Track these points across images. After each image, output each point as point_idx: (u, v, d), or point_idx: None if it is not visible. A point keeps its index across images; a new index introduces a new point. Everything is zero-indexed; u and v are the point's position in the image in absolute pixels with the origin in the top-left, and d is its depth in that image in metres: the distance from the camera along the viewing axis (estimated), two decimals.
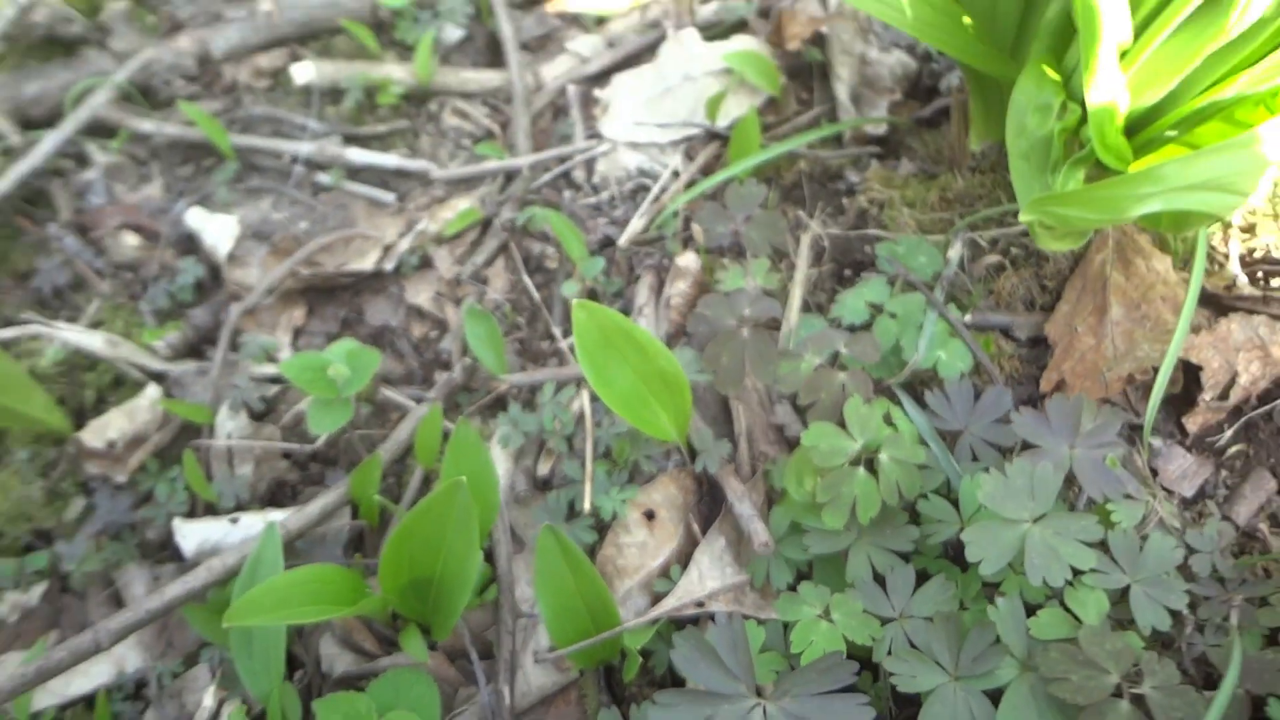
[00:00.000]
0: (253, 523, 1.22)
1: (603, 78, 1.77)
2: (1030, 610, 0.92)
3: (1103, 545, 0.94)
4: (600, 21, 1.90)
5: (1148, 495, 0.98)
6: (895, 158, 1.58)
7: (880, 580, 0.99)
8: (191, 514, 1.28)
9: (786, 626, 0.99)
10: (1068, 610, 0.91)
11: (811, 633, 0.95)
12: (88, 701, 1.17)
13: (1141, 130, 1.07)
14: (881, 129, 1.60)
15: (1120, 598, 0.93)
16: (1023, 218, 0.93)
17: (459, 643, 1.10)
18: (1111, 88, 0.95)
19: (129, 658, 1.19)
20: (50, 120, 1.69)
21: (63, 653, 1.02)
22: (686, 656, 0.90)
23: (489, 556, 1.15)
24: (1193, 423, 1.11)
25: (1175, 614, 0.93)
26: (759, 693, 0.88)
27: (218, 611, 1.12)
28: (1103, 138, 0.98)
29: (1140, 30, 0.98)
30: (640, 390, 1.09)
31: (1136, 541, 0.93)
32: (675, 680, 1.05)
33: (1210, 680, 0.88)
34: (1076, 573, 0.92)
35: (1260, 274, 1.22)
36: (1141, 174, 0.87)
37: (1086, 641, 0.87)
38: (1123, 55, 1.00)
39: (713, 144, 1.61)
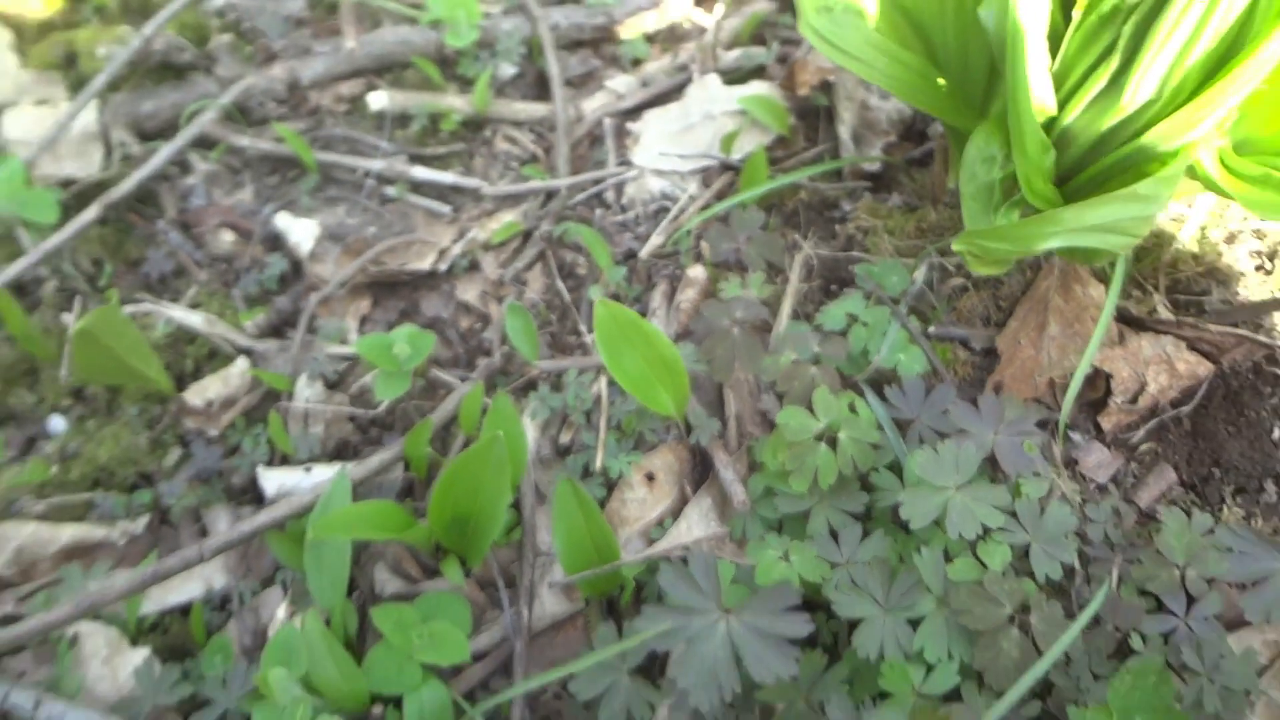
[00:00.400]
0: (323, 472, 1.47)
1: (635, 113, 2.02)
2: (948, 559, 1.14)
3: (1012, 511, 1.15)
4: (635, 63, 2.15)
5: (1053, 474, 1.20)
6: (887, 191, 1.80)
7: (834, 535, 1.21)
8: (270, 464, 1.54)
9: (755, 568, 1.22)
10: (979, 559, 1.13)
11: (773, 569, 1.17)
12: (182, 611, 1.42)
13: (1070, 180, 1.29)
14: (877, 166, 1.82)
15: (1024, 555, 1.14)
16: (955, 247, 1.16)
17: (489, 573, 1.34)
18: (1037, 146, 1.18)
19: (215, 578, 1.44)
20: (161, 133, 1.97)
21: (174, 560, 1.28)
22: (670, 579, 1.12)
23: (517, 506, 1.39)
24: (1106, 421, 1.32)
25: (1069, 569, 1.14)
26: (726, 610, 1.11)
27: (294, 539, 1.37)
28: (1030, 185, 1.20)
29: (1063, 104, 1.20)
30: (648, 374, 1.32)
31: (1038, 509, 1.15)
32: None
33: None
34: (988, 530, 1.13)
35: (1180, 301, 1.43)
36: (1046, 217, 1.10)
37: (990, 583, 1.09)
38: (1052, 121, 1.23)
39: (726, 174, 1.85)
